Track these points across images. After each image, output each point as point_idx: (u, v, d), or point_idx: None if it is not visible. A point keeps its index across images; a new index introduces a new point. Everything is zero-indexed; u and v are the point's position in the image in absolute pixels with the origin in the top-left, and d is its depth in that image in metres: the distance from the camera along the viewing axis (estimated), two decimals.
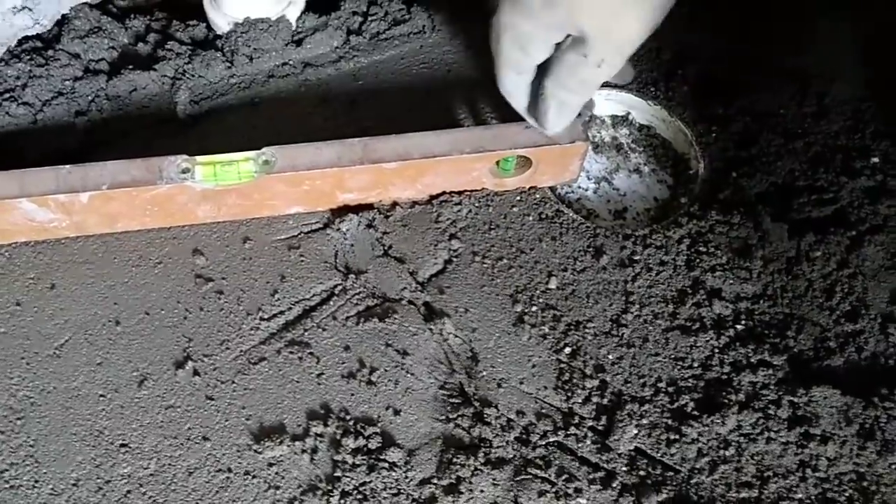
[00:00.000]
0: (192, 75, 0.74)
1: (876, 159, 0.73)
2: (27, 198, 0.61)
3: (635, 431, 0.61)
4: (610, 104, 0.78)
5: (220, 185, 0.63)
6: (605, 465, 0.60)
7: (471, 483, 0.59)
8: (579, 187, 0.75)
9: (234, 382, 0.63)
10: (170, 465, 0.60)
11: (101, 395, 0.62)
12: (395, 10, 0.80)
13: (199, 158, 0.63)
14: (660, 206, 0.74)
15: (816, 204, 0.71)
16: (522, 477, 0.59)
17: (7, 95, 0.71)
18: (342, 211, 0.70)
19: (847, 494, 0.59)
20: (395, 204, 0.70)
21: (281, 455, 0.60)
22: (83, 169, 0.62)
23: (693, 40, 0.81)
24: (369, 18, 0.79)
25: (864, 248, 0.68)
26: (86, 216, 0.64)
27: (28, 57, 0.73)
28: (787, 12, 0.82)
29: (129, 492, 0.59)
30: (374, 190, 0.68)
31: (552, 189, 0.73)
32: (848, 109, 0.76)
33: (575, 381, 0.63)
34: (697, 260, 0.68)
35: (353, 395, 0.63)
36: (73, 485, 0.59)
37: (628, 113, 0.79)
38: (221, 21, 0.76)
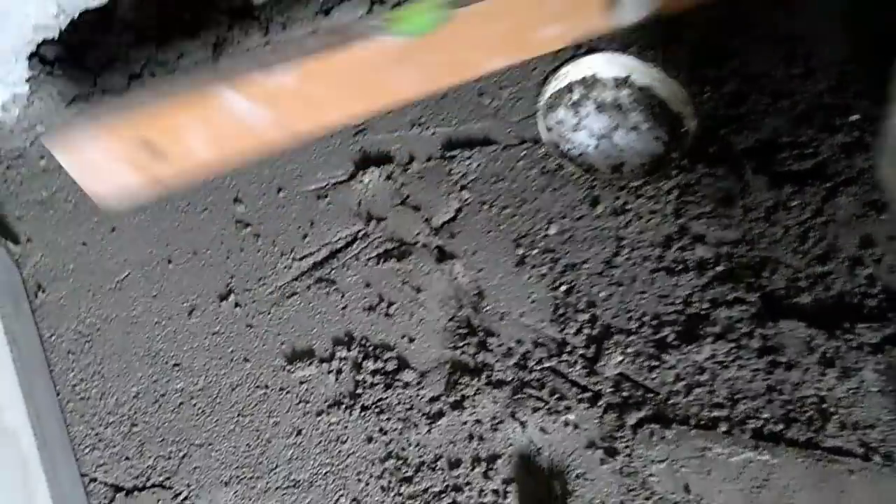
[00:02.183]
0: (232, 42, 0.82)
1: (856, 116, 0.78)
2: (229, 85, 0.58)
3: (620, 358, 0.69)
4: (612, 67, 0.85)
5: (414, 32, 0.59)
6: (593, 387, 0.68)
7: (474, 400, 0.68)
8: (581, 143, 0.82)
9: (270, 313, 0.72)
10: (216, 381, 0.70)
11: (157, 322, 0.72)
12: None
13: (386, 14, 0.61)
14: (654, 160, 0.81)
15: (797, 158, 0.77)
16: (519, 396, 0.68)
17: (71, 61, 0.80)
18: (364, 164, 0.78)
19: (808, 415, 0.66)
20: (412, 158, 0.78)
21: (310, 374, 0.70)
22: (278, 46, 0.60)
23: (689, 6, 0.86)
24: None
25: (838, 198, 0.74)
26: (290, 105, 0.61)
27: (88, 26, 0.81)
28: None
29: (181, 403, 0.69)
30: (572, 20, 0.64)
31: (556, 145, 0.80)
32: (833, 71, 0.81)
33: (569, 315, 0.71)
34: (684, 209, 0.75)
35: (372, 325, 0.72)
36: (134, 397, 0.70)
37: (629, 75, 0.85)
38: None
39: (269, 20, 0.83)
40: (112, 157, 0.58)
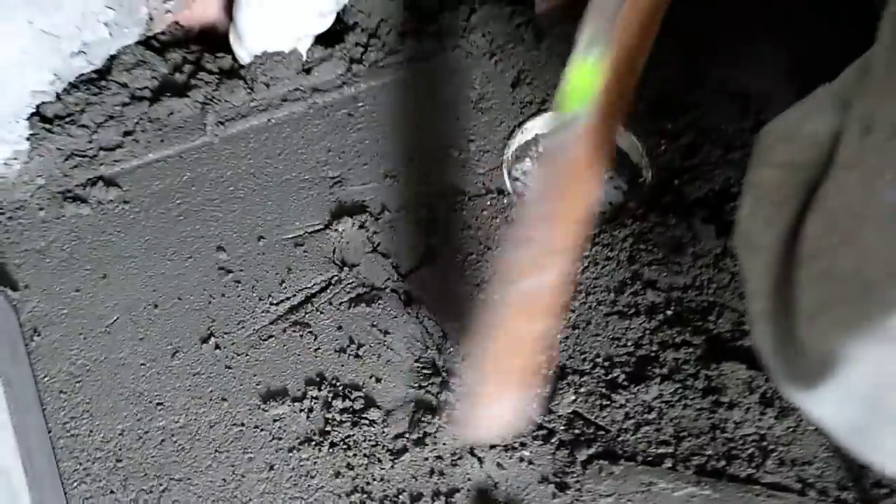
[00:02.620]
0: (219, 100, 0.89)
1: None
2: None
3: (574, 398, 0.73)
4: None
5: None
6: (547, 425, 0.73)
7: (435, 437, 0.72)
8: None
9: (247, 355, 0.77)
10: (195, 419, 0.75)
11: (142, 364, 0.78)
12: (391, 42, 0.93)
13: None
14: (614, 209, 0.86)
15: None
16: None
17: (68, 119, 0.86)
18: (339, 214, 0.83)
19: (749, 452, 0.70)
20: (384, 208, 0.83)
21: (283, 413, 0.74)
22: None
23: (649, 64, 0.92)
24: (368, 49, 0.92)
25: None
26: None
27: (85, 87, 0.88)
28: (730, 34, 0.93)
29: (163, 440, 0.74)
30: None
31: (519, 195, 0.85)
32: None
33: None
34: (638, 255, 0.80)
35: (343, 365, 0.76)
36: (119, 434, 0.75)
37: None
38: (244, 53, 0.91)
39: (254, 79, 0.89)
40: None
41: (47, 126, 0.85)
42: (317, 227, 0.83)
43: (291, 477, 0.73)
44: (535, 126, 0.89)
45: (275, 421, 0.74)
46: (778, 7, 0.90)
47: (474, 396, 0.62)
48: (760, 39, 0.91)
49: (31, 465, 0.69)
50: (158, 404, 0.76)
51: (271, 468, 0.73)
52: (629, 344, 0.76)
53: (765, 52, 0.91)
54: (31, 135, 0.84)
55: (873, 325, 0.41)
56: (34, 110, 0.83)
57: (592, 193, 0.58)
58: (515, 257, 0.57)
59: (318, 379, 0.76)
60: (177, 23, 0.92)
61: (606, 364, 0.75)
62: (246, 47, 0.90)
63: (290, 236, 0.83)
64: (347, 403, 0.74)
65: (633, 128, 0.88)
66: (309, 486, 0.72)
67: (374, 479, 0.72)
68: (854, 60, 0.53)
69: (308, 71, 0.91)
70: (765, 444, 0.70)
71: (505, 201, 0.84)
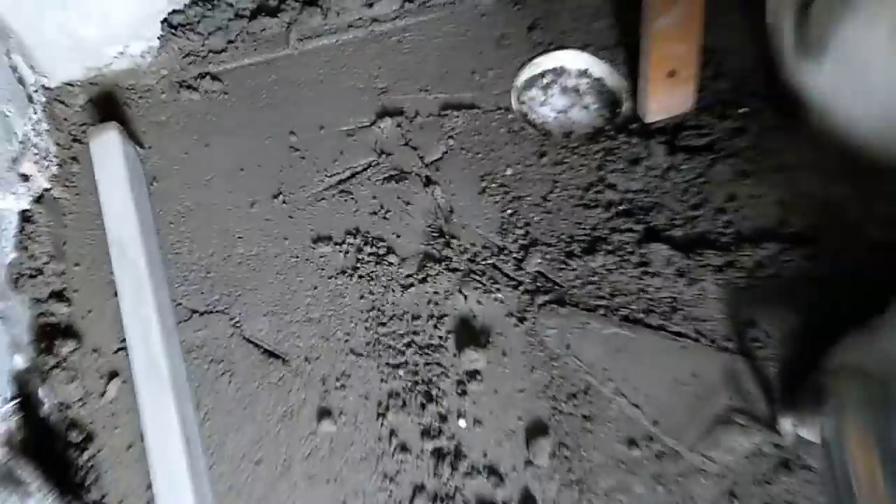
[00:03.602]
0: (300, 22, 1.15)
1: (745, 109, 1.05)
2: None
3: (539, 261, 0.99)
4: (576, 61, 1.14)
5: None
6: (517, 278, 0.99)
7: (435, 280, 0.99)
8: (545, 115, 1.12)
9: (305, 209, 1.05)
10: (264, 250, 1.03)
11: (229, 209, 1.06)
12: None
13: None
14: (595, 131, 1.10)
15: (694, 136, 1.05)
16: (466, 279, 0.99)
17: (188, 27, 1.14)
18: (382, 115, 1.09)
19: (662, 309, 0.95)
20: (417, 114, 1.09)
21: (327, 252, 1.02)
22: None
23: (633, 19, 1.14)
24: None
25: (717, 167, 1.02)
26: None
27: (202, 4, 1.15)
28: None
29: (240, 262, 1.03)
30: None
31: (524, 114, 1.10)
32: (736, 75, 1.09)
33: (509, 230, 1.01)
34: (605, 165, 1.04)
35: (373, 224, 1.03)
36: (210, 255, 1.03)
37: (588, 68, 1.14)
38: None
39: (329, 8, 1.16)
40: None
41: (173, 31, 1.13)
42: (365, 124, 1.10)
43: (329, 295, 1.00)
44: (543, 62, 1.14)
45: (320, 257, 1.02)
46: None
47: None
48: None
49: (151, 265, 0.98)
50: (239, 238, 1.04)
51: (315, 288, 1.01)
52: (587, 227, 1.01)
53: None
54: (160, 36, 1.12)
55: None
56: (165, 17, 1.11)
57: None
58: None
59: (354, 231, 1.03)
60: None
61: (568, 239, 1.00)
62: None
63: (344, 128, 1.10)
64: (374, 249, 1.01)
65: (619, 70, 1.11)
66: (340, 303, 1.00)
67: (387, 303, 0.99)
68: None
69: (370, 5, 1.16)
70: (675, 304, 0.95)
71: (510, 117, 1.09)
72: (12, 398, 0.85)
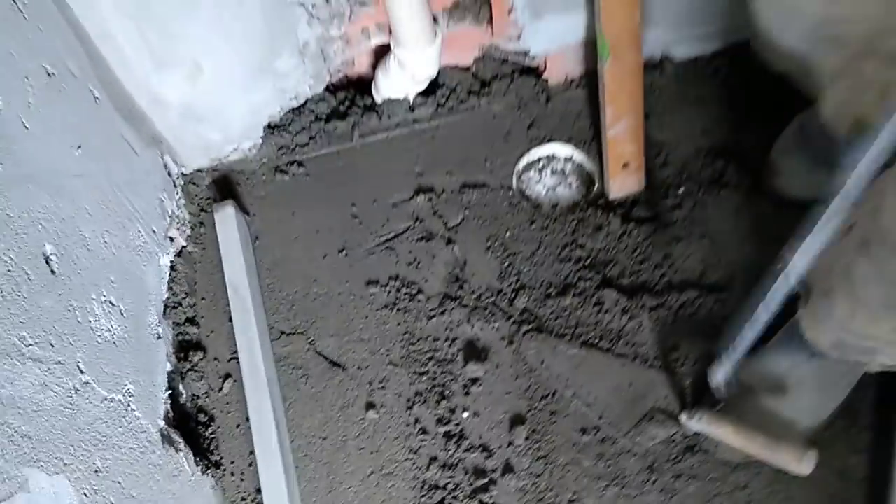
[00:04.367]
0: (362, 123, 1.58)
1: (682, 189, 1.42)
2: None
3: (525, 300, 1.38)
4: (563, 150, 1.53)
5: None
6: (509, 312, 1.38)
7: (451, 313, 1.39)
8: (538, 192, 1.51)
9: (361, 261, 1.47)
10: (331, 290, 1.45)
11: (308, 260, 1.49)
12: (461, 97, 1.59)
13: None
14: (574, 204, 1.49)
15: (645, 210, 1.42)
16: (473, 313, 1.39)
17: (281, 128, 1.59)
18: (418, 192, 1.51)
19: (610, 337, 1.32)
20: (443, 190, 1.50)
21: (376, 291, 1.44)
22: None
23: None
24: (448, 100, 1.58)
25: (660, 233, 1.39)
26: None
27: (292, 111, 1.59)
28: None
29: (314, 299, 1.45)
30: None
31: (521, 191, 1.50)
32: (679, 163, 1.46)
33: (505, 277, 1.41)
34: (577, 230, 1.43)
35: (409, 271, 1.44)
36: (294, 293, 1.47)
37: (572, 155, 1.53)
38: (378, 97, 1.59)
39: (382, 112, 1.58)
40: None
41: (271, 132, 1.58)
42: (405, 198, 1.51)
43: (375, 322, 1.41)
44: (538, 151, 1.53)
45: (370, 295, 1.43)
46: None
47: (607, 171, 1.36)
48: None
49: (254, 298, 1.41)
50: (314, 280, 1.47)
51: (366, 317, 1.42)
52: (561, 276, 1.39)
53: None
54: (262, 136, 1.57)
55: None
56: (267, 123, 1.56)
57: None
58: None
59: (395, 276, 1.44)
60: (344, 76, 1.62)
61: (547, 285, 1.39)
62: (380, 94, 1.59)
63: (391, 201, 1.52)
64: (408, 290, 1.42)
65: (594, 159, 1.50)
66: (383, 328, 1.41)
67: (417, 329, 1.39)
68: None
69: (412, 110, 1.59)
70: (620, 333, 1.32)
71: (510, 193, 1.49)
72: (166, 390, 1.29)
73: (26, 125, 0.97)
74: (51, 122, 1.04)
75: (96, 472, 0.93)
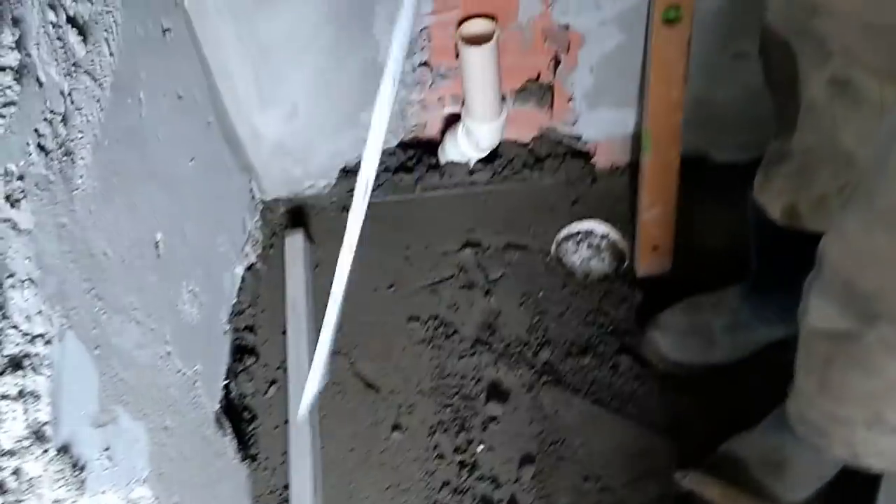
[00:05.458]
0: (426, 179, 1.77)
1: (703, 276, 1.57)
2: None
3: (549, 354, 1.53)
4: (600, 227, 1.70)
5: None
6: (533, 363, 1.52)
7: (481, 355, 1.54)
8: (573, 262, 1.67)
9: (406, 298, 1.63)
10: (377, 320, 1.62)
11: (360, 291, 1.66)
12: (516, 168, 1.77)
13: None
14: (604, 276, 1.65)
15: (667, 287, 1.57)
16: (501, 358, 1.53)
17: (350, 173, 1.79)
18: (465, 245, 1.68)
19: (621, 398, 1.46)
20: (489, 246, 1.67)
21: (416, 327, 1.60)
22: None
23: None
24: (505, 169, 1.77)
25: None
26: None
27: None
28: None
29: (359, 326, 1.62)
30: None
31: (559, 259, 1.66)
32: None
33: (533, 331, 1.56)
34: (603, 299, 1.58)
35: (448, 314, 1.60)
36: (343, 319, 1.64)
37: (608, 233, 1.70)
38: (443, 159, 1.79)
39: (444, 173, 1.77)
40: None
41: (345, 174, 1.78)
42: (454, 249, 1.69)
43: (411, 355, 1.57)
44: (578, 226, 1.70)
45: (411, 330, 1.59)
46: None
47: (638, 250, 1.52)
48: None
49: (308, 317, 1.59)
50: (363, 309, 1.64)
51: (403, 349, 1.58)
52: (584, 337, 1.54)
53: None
54: (337, 177, 1.78)
55: None
56: (342, 167, 1.77)
57: None
58: None
59: (435, 316, 1.60)
60: (415, 136, 1.83)
61: (570, 344, 1.54)
62: (445, 156, 1.78)
63: (440, 250, 1.69)
64: (445, 330, 1.58)
65: (626, 236, 1.66)
66: (417, 360, 1.56)
67: (448, 365, 1.55)
68: None
69: (471, 173, 1.78)
70: (630, 397, 1.46)
71: (548, 259, 1.66)
72: (223, 381, 1.46)
73: (158, 134, 1.17)
74: (175, 135, 1.24)
75: (165, 428, 1.09)
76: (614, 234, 1.68)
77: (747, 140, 1.66)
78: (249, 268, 1.67)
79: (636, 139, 1.65)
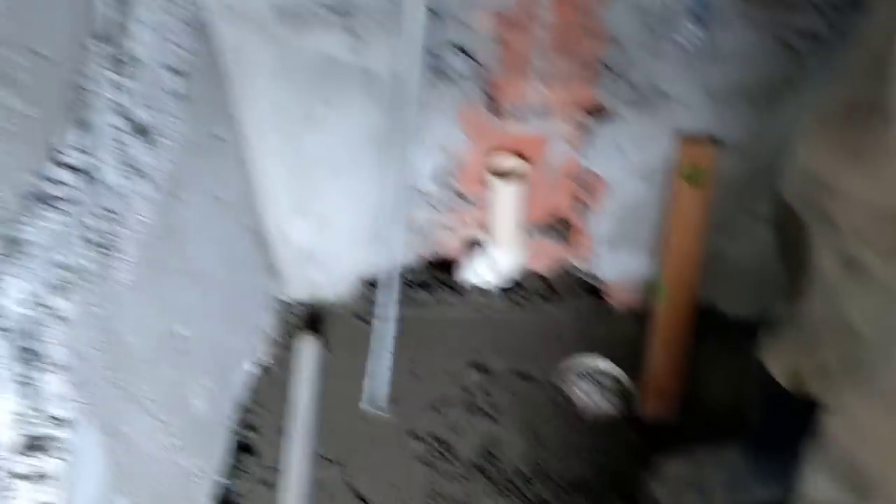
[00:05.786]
0: (443, 299, 1.82)
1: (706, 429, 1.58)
2: None
3: (543, 487, 1.52)
4: (605, 365, 1.72)
5: None
6: (527, 494, 1.52)
7: (476, 482, 1.54)
8: (578, 395, 1.69)
9: (409, 415, 1.65)
10: (374, 429, 1.63)
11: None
12: (533, 295, 1.82)
13: None
14: (608, 414, 1.66)
15: (670, 434, 1.57)
16: (494, 483, 1.53)
17: (373, 287, 1.84)
18: (473, 366, 1.71)
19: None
20: (495, 371, 1.70)
21: (416, 445, 1.60)
22: None
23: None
24: (520, 296, 1.82)
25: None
26: None
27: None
28: None
29: (358, 435, 1.63)
30: None
31: (562, 391, 1.68)
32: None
33: (531, 462, 1.56)
34: (606, 439, 1.59)
35: (449, 434, 1.61)
36: (346, 424, 1.65)
37: (615, 373, 1.72)
38: (461, 279, 1.84)
39: (462, 293, 1.82)
40: None
41: (363, 285, 1.84)
42: (461, 370, 1.71)
43: (402, 465, 1.57)
44: (584, 362, 1.73)
45: (410, 445, 1.60)
46: None
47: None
48: None
49: (309, 419, 1.60)
50: (364, 420, 1.65)
51: (399, 465, 1.58)
52: (579, 474, 1.54)
53: None
54: (357, 287, 1.83)
55: None
56: (363, 279, 1.82)
57: None
58: None
59: (435, 436, 1.61)
60: (438, 255, 1.89)
61: (565, 479, 1.53)
62: (463, 278, 1.84)
63: (448, 369, 1.72)
64: (442, 451, 1.58)
65: (636, 380, 1.68)
66: (410, 476, 1.56)
67: (441, 487, 1.54)
68: None
69: (487, 297, 1.82)
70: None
71: (553, 392, 1.67)
72: (216, 475, 1.46)
73: (195, 232, 1.24)
74: (210, 233, 1.31)
75: None
76: (622, 375, 1.70)
77: (757, 297, 1.71)
78: (261, 366, 1.70)
79: (652, 286, 1.69)
